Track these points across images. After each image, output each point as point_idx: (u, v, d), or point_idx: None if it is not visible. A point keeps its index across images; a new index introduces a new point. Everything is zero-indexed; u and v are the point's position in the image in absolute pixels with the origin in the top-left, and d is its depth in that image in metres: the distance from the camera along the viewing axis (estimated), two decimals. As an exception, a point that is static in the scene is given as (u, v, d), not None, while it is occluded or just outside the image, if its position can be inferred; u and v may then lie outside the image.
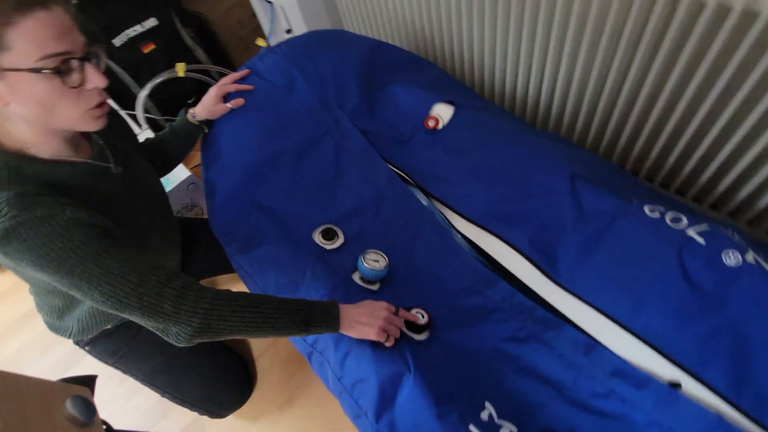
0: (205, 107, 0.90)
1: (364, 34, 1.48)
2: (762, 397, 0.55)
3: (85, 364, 1.22)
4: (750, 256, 0.61)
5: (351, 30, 1.52)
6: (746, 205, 0.85)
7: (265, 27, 1.70)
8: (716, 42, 0.67)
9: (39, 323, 0.92)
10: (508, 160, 0.83)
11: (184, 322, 0.57)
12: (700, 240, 0.63)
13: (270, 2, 1.53)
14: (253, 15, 2.00)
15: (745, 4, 0.62)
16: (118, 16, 1.53)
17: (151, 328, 0.60)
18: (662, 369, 0.63)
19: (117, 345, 0.91)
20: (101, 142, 0.73)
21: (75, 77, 0.55)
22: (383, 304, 0.68)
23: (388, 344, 0.66)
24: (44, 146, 0.62)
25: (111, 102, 0.85)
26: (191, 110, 0.92)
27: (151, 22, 1.61)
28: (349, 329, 0.65)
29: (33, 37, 0.51)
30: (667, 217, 0.67)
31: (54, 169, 0.62)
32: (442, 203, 0.89)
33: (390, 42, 1.30)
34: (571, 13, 0.82)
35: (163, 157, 0.95)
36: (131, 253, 0.59)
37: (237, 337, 0.62)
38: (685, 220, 0.66)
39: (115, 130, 0.80)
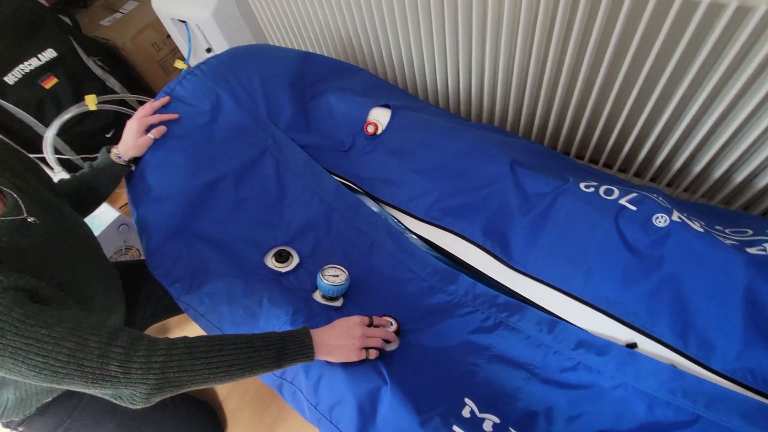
0: (128, 144, 0.83)
1: (289, 46, 1.44)
2: (704, 342, 0.61)
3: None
4: (675, 215, 0.66)
5: (275, 43, 1.48)
6: (664, 169, 0.94)
7: (183, 48, 1.61)
8: (620, 19, 0.73)
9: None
10: (449, 156, 0.84)
11: (138, 381, 0.51)
12: (632, 207, 0.68)
13: (183, 21, 1.45)
14: (169, 36, 1.89)
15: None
16: (4, 49, 1.37)
17: (99, 395, 0.53)
18: (619, 333, 0.67)
19: (58, 419, 0.80)
20: (14, 195, 0.65)
21: None
22: (356, 319, 0.65)
23: (371, 357, 0.64)
24: None
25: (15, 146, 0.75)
26: (113, 149, 0.84)
27: (49, 54, 1.47)
28: (326, 355, 0.61)
29: None
30: (601, 190, 0.71)
31: None
32: (393, 207, 0.89)
33: (317, 52, 1.28)
34: (487, 8, 0.85)
35: (83, 198, 0.86)
36: (64, 314, 0.52)
37: (204, 386, 0.56)
38: (616, 191, 0.71)
39: (27, 176, 0.71)
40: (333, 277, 0.75)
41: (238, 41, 1.42)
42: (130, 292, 0.96)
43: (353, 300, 0.78)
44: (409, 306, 0.77)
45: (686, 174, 0.90)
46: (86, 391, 0.52)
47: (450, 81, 1.09)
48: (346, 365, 0.63)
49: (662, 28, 0.69)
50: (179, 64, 1.50)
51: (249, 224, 0.86)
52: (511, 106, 1.04)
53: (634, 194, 0.70)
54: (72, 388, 0.51)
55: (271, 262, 0.83)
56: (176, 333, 1.25)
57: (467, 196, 0.81)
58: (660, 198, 0.72)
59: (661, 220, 0.66)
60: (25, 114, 1.47)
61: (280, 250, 0.84)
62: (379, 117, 0.93)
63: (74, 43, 1.54)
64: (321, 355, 0.61)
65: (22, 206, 0.64)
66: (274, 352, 0.58)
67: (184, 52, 1.61)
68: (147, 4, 1.93)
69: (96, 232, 1.14)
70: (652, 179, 0.98)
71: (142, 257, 1.28)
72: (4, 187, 0.64)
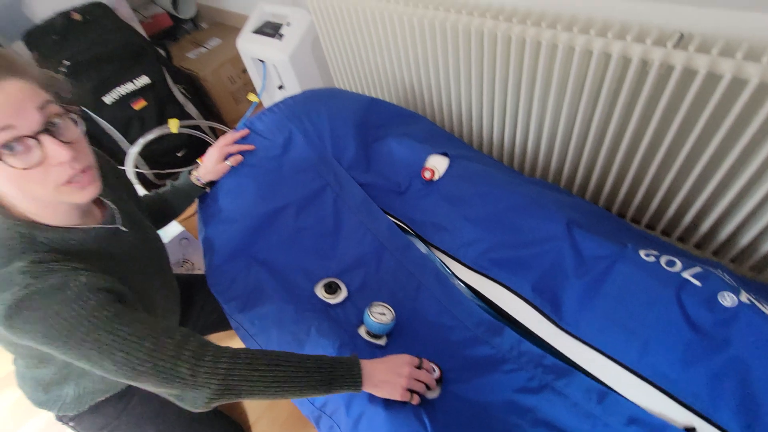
0: (208, 168, 0.92)
1: (354, 90, 1.55)
2: (775, 439, 0.56)
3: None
4: (743, 296, 0.63)
5: (341, 86, 1.60)
6: (729, 243, 0.90)
7: (257, 83, 1.77)
8: (688, 95, 0.74)
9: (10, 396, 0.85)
10: (504, 208, 0.86)
11: (202, 385, 0.54)
12: (696, 282, 0.66)
13: (262, 61, 1.60)
14: (244, 71, 2.08)
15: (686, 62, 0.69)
16: (110, 74, 1.57)
17: (165, 395, 0.56)
18: (676, 414, 0.63)
19: (105, 419, 0.85)
20: (113, 206, 0.72)
21: (32, 156, 0.51)
22: (406, 358, 0.66)
23: (414, 402, 0.64)
24: (51, 216, 0.60)
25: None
26: (194, 172, 0.93)
27: (143, 80, 1.66)
28: (372, 387, 0.62)
29: None
30: (662, 261, 0.70)
31: (67, 235, 0.61)
32: (442, 252, 0.91)
33: (380, 97, 1.37)
34: (552, 70, 0.89)
35: (161, 214, 0.95)
36: (142, 316, 0.57)
37: (256, 399, 0.59)
38: (679, 263, 0.69)
39: (122, 190, 0.80)
40: (380, 315, 0.76)
41: (308, 81, 1.55)
42: (184, 304, 1.02)
43: (397, 341, 0.78)
44: (451, 354, 0.76)
45: (754, 251, 0.86)
46: (157, 389, 0.55)
47: (506, 133, 1.12)
48: (388, 407, 0.63)
49: (738, 100, 0.69)
50: (252, 97, 1.64)
51: (304, 253, 0.91)
52: (567, 164, 1.05)
53: (698, 268, 0.68)
54: (145, 385, 0.55)
55: (320, 292, 0.86)
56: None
57: (519, 250, 0.82)
58: (725, 275, 0.69)
59: (727, 299, 0.63)
60: (114, 130, 1.64)
61: (330, 281, 0.87)
62: (437, 164, 0.97)
63: (165, 71, 1.73)
64: (368, 387, 0.62)
65: (118, 216, 0.72)
66: (324, 375, 0.60)
67: (257, 86, 1.76)
68: (228, 43, 2.14)
69: (160, 244, 1.23)
70: (715, 253, 0.94)
71: (195, 271, 1.37)
72: (105, 198, 0.73)
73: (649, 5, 0.76)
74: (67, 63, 1.45)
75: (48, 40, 1.48)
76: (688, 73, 0.72)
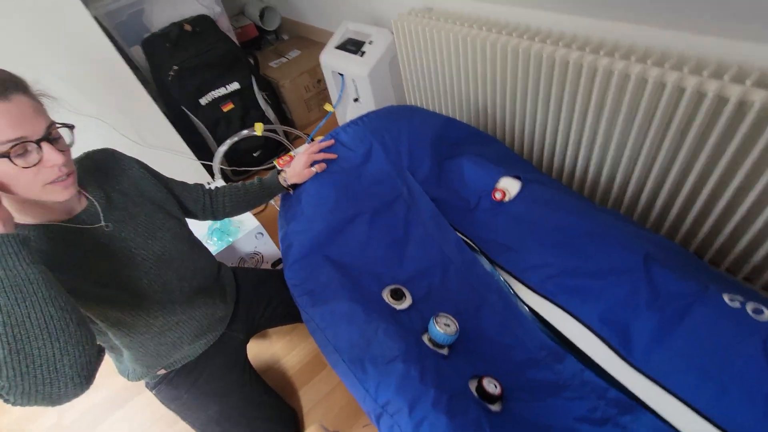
0: (295, 171, 1.01)
1: (427, 108, 1.61)
2: None
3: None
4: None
5: (415, 103, 1.66)
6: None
7: (333, 94, 1.88)
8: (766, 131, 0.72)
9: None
10: (576, 234, 0.86)
11: None
12: (786, 334, 0.63)
13: (341, 74, 1.70)
14: (318, 81, 2.21)
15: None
16: (209, 79, 1.75)
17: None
18: (752, 468, 0.60)
19: (178, 391, 0.95)
20: (95, 203, 0.77)
21: (31, 157, 0.59)
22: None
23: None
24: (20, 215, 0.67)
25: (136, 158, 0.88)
26: (282, 174, 1.03)
27: (234, 86, 1.83)
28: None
29: None
30: (748, 308, 0.67)
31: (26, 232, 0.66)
32: (507, 272, 0.92)
33: (453, 116, 1.41)
34: (641, 101, 0.89)
35: (243, 202, 1.04)
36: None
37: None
38: (767, 313, 0.66)
39: (135, 193, 0.83)
40: (445, 326, 0.80)
41: (382, 96, 1.63)
42: (256, 295, 1.11)
43: (459, 352, 0.81)
44: (512, 373, 0.78)
45: None
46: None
47: (580, 161, 1.12)
48: (451, 414, 0.66)
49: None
50: (328, 107, 1.75)
51: (374, 258, 0.96)
52: (644, 197, 1.03)
53: (789, 320, 0.65)
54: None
55: (387, 297, 0.91)
56: (275, 340, 1.39)
57: (589, 279, 0.82)
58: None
59: (822, 357, 0.60)
60: (205, 129, 1.82)
61: (396, 288, 0.92)
62: (508, 186, 1.00)
63: (253, 79, 1.89)
64: None
65: (100, 213, 0.76)
66: None
67: (334, 97, 1.88)
68: (306, 54, 2.29)
69: (238, 236, 1.35)
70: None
71: (263, 265, 1.47)
72: (88, 194, 0.77)
73: (728, 43, 0.76)
74: (175, 68, 1.65)
75: (162, 47, 1.69)
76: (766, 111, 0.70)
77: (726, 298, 0.69)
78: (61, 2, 1.28)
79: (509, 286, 0.92)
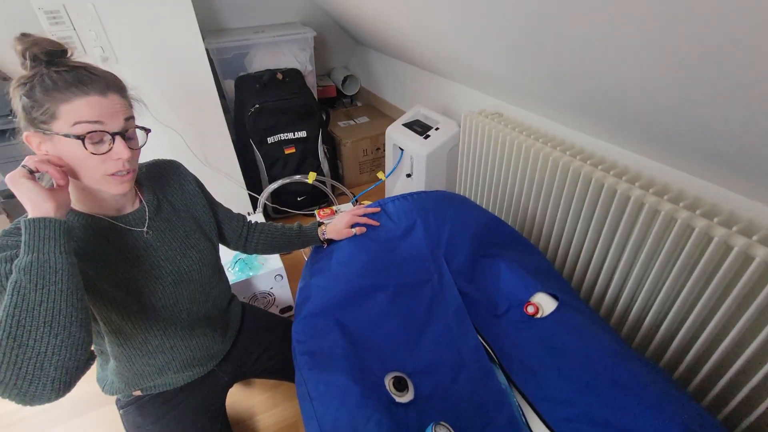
0: (335, 228, 1.02)
1: (472, 198, 1.63)
2: None
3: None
4: None
5: (463, 193, 1.70)
6: None
7: (389, 165, 1.96)
8: None
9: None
10: (607, 381, 0.78)
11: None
12: None
13: (402, 149, 1.79)
14: (377, 149, 2.33)
15: None
16: (281, 123, 1.89)
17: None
18: None
19: (144, 419, 0.89)
20: (146, 208, 0.80)
21: (103, 147, 0.65)
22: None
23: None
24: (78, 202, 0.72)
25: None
26: (322, 227, 1.04)
27: (301, 134, 1.95)
28: None
29: (76, 112, 0.62)
30: None
31: (74, 219, 0.71)
32: (523, 396, 0.84)
33: (496, 213, 1.42)
34: (683, 245, 0.85)
35: (277, 243, 1.05)
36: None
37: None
38: None
39: (182, 198, 0.87)
40: (444, 438, 0.71)
41: (434, 178, 1.68)
42: (256, 339, 1.06)
43: (451, 474, 0.72)
44: None
45: None
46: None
47: (622, 299, 1.06)
48: None
49: None
50: (381, 175, 1.82)
51: (386, 337, 0.91)
52: (674, 344, 0.94)
53: None
54: None
55: (389, 384, 0.84)
56: (257, 392, 1.30)
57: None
58: None
59: None
60: (263, 164, 1.93)
61: (401, 377, 0.85)
62: (543, 302, 0.94)
63: (320, 131, 2.03)
64: None
65: (147, 220, 0.79)
66: None
67: (388, 167, 1.95)
68: (374, 123, 2.45)
69: (259, 272, 1.34)
70: None
71: (271, 308, 1.44)
72: (149, 206, 0.80)
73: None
74: (257, 106, 1.80)
75: (252, 86, 1.87)
76: None
77: None
78: (185, 32, 1.47)
79: (522, 412, 0.83)
